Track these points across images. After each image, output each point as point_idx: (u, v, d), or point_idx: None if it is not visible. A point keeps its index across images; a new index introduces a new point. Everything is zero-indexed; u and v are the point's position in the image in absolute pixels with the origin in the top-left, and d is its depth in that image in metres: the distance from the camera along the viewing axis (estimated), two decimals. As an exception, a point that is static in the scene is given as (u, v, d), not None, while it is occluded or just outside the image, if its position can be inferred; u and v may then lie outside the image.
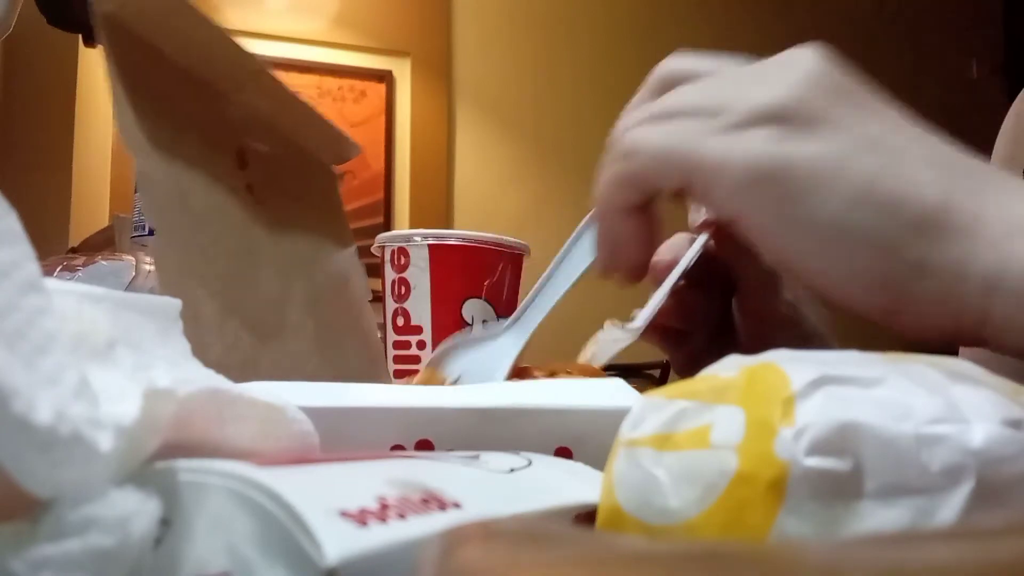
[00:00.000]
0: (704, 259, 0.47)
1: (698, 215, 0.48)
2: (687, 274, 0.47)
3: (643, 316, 0.45)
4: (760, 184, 0.35)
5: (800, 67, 0.37)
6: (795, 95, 0.36)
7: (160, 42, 0.49)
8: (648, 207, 0.41)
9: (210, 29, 0.51)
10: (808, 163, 0.35)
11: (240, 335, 0.49)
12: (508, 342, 0.48)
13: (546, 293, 0.48)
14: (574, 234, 0.48)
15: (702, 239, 0.47)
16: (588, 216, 0.46)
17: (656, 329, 0.51)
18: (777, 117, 0.35)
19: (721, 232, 0.47)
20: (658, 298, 0.45)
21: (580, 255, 0.48)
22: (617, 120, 0.41)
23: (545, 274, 0.48)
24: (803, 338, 0.50)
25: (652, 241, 0.42)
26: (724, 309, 0.52)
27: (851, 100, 0.36)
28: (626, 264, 0.43)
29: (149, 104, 0.47)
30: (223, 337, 0.47)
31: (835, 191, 0.34)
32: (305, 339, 0.54)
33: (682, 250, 0.47)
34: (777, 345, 0.52)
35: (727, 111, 0.36)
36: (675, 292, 0.46)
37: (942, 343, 0.35)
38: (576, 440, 0.33)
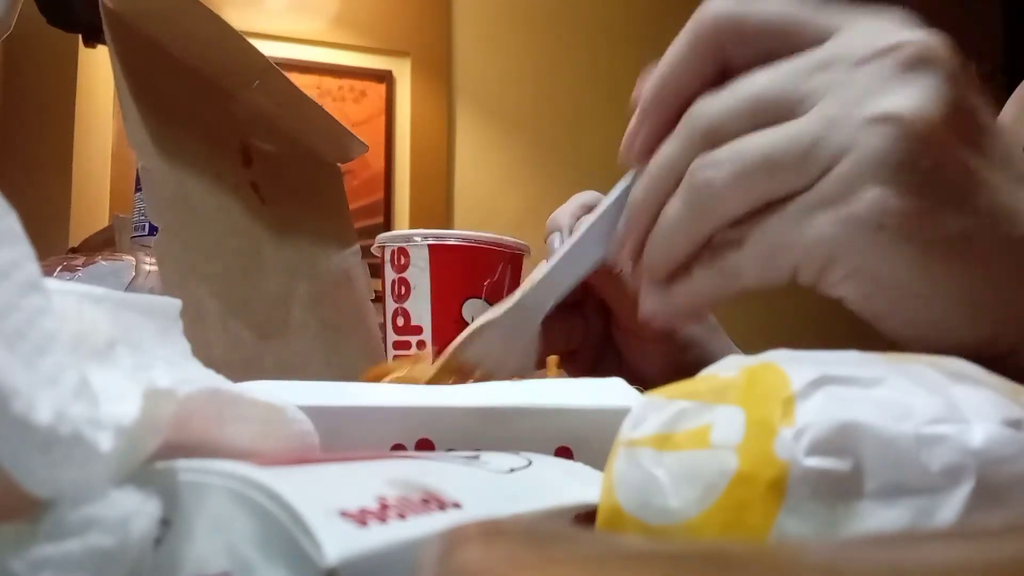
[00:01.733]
0: (579, 287, 0.45)
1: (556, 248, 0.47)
2: (563, 302, 0.45)
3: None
4: (879, 279, 0.31)
5: (926, 75, 0.29)
6: (925, 133, 0.29)
7: (166, 39, 0.49)
8: None
9: (216, 27, 0.51)
10: (940, 246, 0.30)
11: (243, 334, 0.49)
12: (524, 322, 0.46)
13: (560, 270, 0.45)
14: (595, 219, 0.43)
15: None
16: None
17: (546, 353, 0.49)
18: (898, 172, 0.29)
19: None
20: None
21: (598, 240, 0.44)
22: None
23: (563, 250, 0.45)
24: (679, 348, 0.52)
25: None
26: (605, 327, 0.54)
27: (972, 133, 0.30)
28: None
29: (154, 101, 0.47)
30: (226, 336, 0.47)
31: (962, 274, 0.30)
32: (308, 338, 0.54)
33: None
34: (654, 357, 0.52)
35: (838, 171, 0.29)
36: (555, 318, 0.45)
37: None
38: (577, 440, 0.33)
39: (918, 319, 0.31)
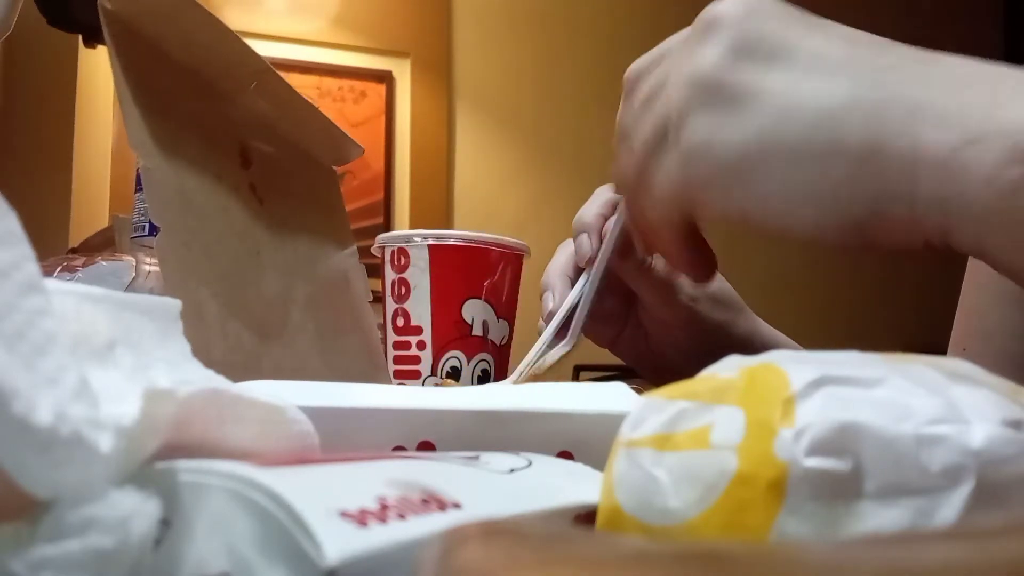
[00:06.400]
0: (609, 274, 0.54)
1: (586, 250, 0.55)
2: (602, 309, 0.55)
3: (572, 336, 0.54)
4: (713, 188, 0.39)
5: (713, 37, 0.39)
6: (713, 78, 0.38)
7: (165, 40, 0.49)
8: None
9: (215, 28, 0.51)
10: (740, 149, 0.37)
11: (242, 335, 0.49)
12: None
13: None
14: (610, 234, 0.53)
15: (587, 275, 0.54)
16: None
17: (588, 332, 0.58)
18: (704, 109, 0.38)
19: (614, 256, 0.53)
20: (550, 333, 0.53)
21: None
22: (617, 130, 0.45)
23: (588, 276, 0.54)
24: (704, 336, 0.57)
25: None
26: (630, 310, 0.60)
27: (767, 56, 0.38)
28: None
29: (153, 102, 0.47)
30: (225, 337, 0.47)
31: (771, 164, 0.37)
32: (306, 339, 0.54)
33: (567, 288, 0.55)
34: (680, 342, 0.60)
35: (670, 128, 0.40)
36: (598, 321, 0.56)
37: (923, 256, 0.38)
38: (578, 444, 0.33)
39: (776, 211, 0.38)
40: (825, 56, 0.38)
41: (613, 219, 0.53)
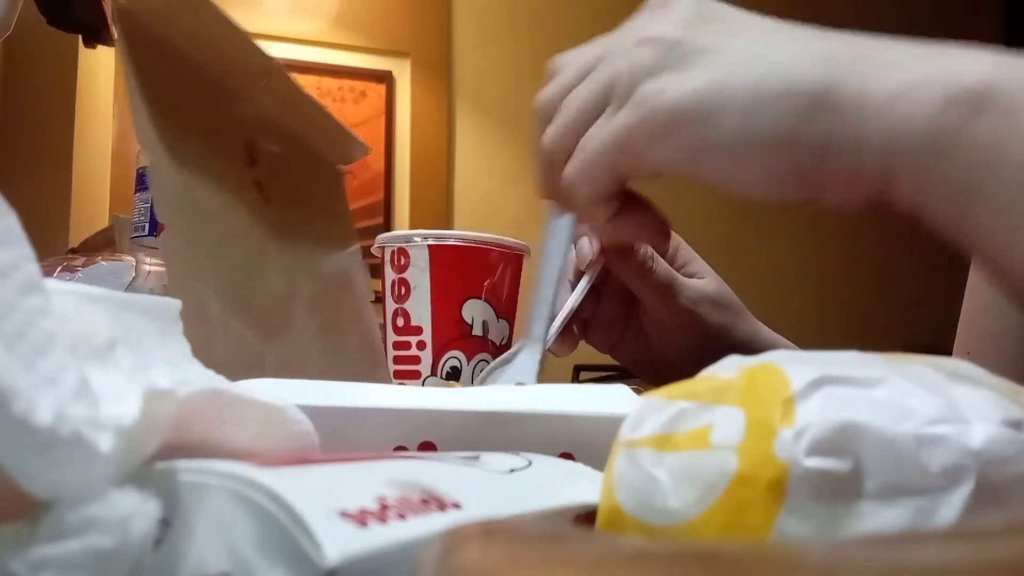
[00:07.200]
0: (609, 277, 0.56)
1: (586, 253, 0.55)
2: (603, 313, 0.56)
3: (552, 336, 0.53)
4: (663, 137, 0.39)
5: (672, 8, 0.40)
6: (670, 36, 0.39)
7: (173, 37, 0.49)
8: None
9: (223, 26, 0.51)
10: (695, 96, 0.38)
11: (245, 334, 0.49)
12: (527, 356, 0.52)
13: (540, 300, 0.52)
14: (547, 232, 0.53)
15: (588, 277, 0.55)
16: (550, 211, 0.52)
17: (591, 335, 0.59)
18: (659, 66, 0.39)
19: (614, 257, 0.55)
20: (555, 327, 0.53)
21: (556, 250, 0.53)
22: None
23: (535, 283, 0.53)
24: (704, 339, 0.57)
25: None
26: (629, 310, 0.60)
27: (722, 23, 0.40)
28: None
29: (161, 99, 0.47)
30: (228, 336, 0.47)
31: (726, 110, 0.37)
32: (308, 338, 0.54)
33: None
34: (680, 342, 0.61)
35: (618, 86, 0.40)
36: (598, 326, 0.57)
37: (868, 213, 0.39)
38: (579, 446, 0.33)
39: (725, 161, 0.38)
40: (780, 27, 0.39)
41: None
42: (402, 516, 0.19)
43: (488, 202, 2.35)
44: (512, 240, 0.61)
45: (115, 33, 0.45)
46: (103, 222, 1.48)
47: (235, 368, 0.25)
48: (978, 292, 0.58)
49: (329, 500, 0.19)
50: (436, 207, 2.29)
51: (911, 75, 0.34)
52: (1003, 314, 0.55)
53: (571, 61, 0.45)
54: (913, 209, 0.36)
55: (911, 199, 0.35)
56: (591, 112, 0.42)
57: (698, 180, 0.39)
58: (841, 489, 0.18)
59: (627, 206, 0.45)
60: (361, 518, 0.18)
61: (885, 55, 0.36)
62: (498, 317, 0.60)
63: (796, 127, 0.36)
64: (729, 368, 0.21)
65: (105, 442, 0.18)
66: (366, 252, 0.62)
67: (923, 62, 0.35)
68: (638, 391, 0.37)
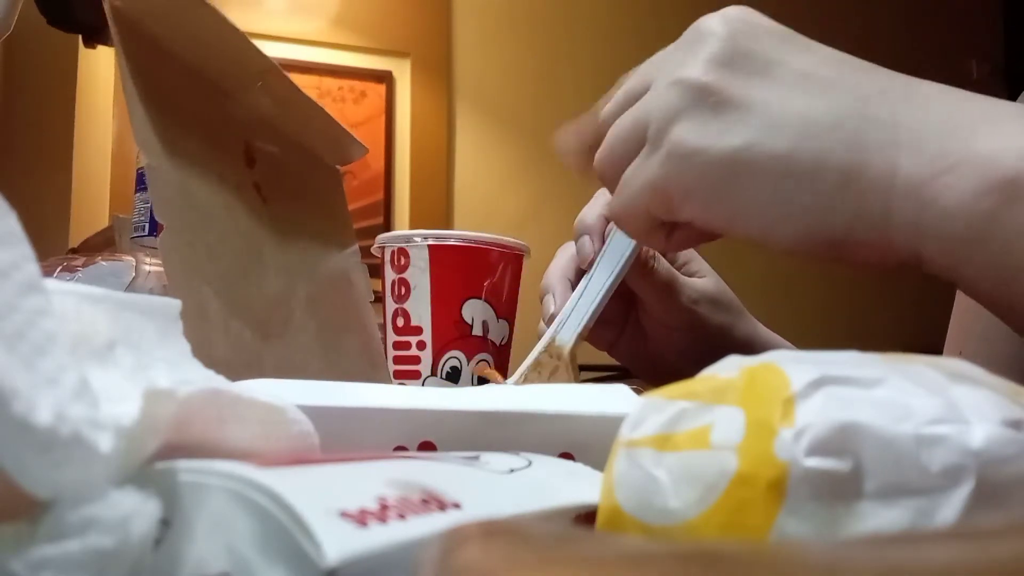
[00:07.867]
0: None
1: (587, 252, 0.56)
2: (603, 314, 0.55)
3: (571, 334, 0.54)
4: (695, 194, 0.39)
5: (703, 46, 0.39)
6: (699, 81, 0.39)
7: (170, 38, 0.49)
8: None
9: (221, 27, 0.51)
10: (725, 159, 0.38)
11: (244, 334, 0.49)
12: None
13: (577, 308, 0.55)
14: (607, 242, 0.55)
15: (611, 276, 0.55)
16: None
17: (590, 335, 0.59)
18: (687, 113, 0.39)
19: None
20: (584, 322, 0.54)
21: (607, 263, 0.54)
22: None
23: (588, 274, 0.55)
24: (703, 339, 0.57)
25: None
26: (630, 311, 0.60)
27: (753, 65, 0.39)
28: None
29: (159, 100, 0.47)
30: (228, 336, 0.47)
31: (758, 179, 0.38)
32: (308, 338, 0.54)
33: (566, 293, 0.56)
34: (679, 343, 0.62)
35: (651, 127, 0.40)
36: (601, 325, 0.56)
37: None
38: (579, 446, 0.33)
39: (756, 223, 0.39)
40: (811, 75, 0.38)
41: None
42: (402, 516, 0.19)
43: (488, 202, 2.35)
44: (512, 240, 0.61)
45: (112, 34, 0.45)
46: (103, 222, 1.48)
47: (235, 368, 0.25)
48: None
49: (329, 500, 0.19)
50: (436, 207, 2.29)
51: (943, 160, 0.35)
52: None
53: (625, 83, 0.45)
54: (947, 277, 0.36)
55: (944, 271, 0.36)
56: (631, 146, 0.42)
57: (729, 234, 0.40)
58: (841, 489, 0.18)
59: (678, 226, 0.45)
60: (361, 518, 0.18)
61: (915, 129, 0.36)
62: (498, 317, 0.60)
63: (824, 202, 0.37)
64: (729, 368, 0.21)
65: (105, 442, 0.18)
66: (366, 252, 0.62)
67: (952, 141, 0.35)
68: (638, 391, 0.37)
